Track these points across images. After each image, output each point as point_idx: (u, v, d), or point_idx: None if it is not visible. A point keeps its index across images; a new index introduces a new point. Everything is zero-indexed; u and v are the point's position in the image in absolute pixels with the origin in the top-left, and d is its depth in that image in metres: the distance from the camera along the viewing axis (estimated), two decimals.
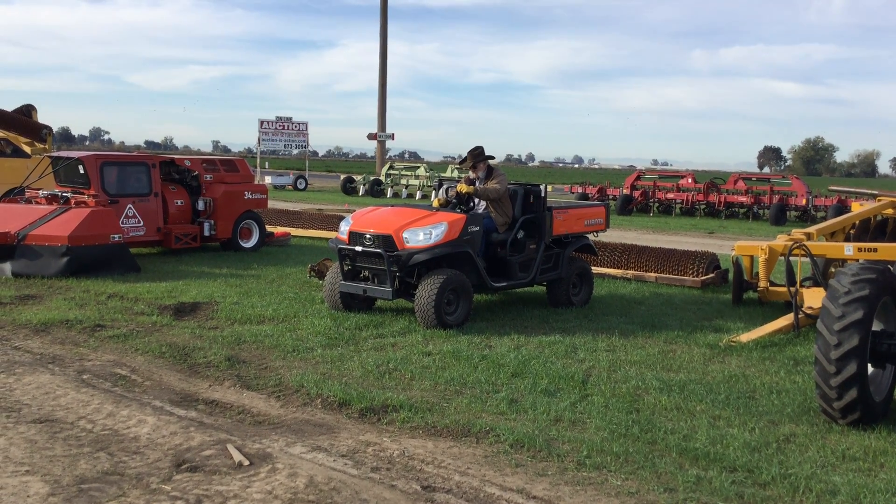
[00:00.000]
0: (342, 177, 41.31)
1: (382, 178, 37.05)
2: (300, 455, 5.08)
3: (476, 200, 9.60)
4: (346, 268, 9.11)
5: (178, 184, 14.22)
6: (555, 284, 10.01)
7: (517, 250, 9.44)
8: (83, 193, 12.49)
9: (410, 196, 34.70)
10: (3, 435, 5.25)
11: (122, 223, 12.42)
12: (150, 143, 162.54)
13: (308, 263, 12.06)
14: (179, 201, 13.92)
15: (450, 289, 8.48)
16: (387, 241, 8.64)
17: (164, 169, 14.08)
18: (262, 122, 42.38)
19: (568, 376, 6.86)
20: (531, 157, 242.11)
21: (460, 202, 9.41)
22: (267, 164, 49.50)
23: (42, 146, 18.69)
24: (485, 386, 6.60)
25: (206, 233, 14.14)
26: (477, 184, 9.51)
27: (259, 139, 42.40)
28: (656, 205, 31.32)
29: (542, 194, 9.71)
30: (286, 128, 43.23)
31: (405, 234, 8.60)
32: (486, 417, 5.83)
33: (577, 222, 10.15)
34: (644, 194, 31.43)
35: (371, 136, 44.62)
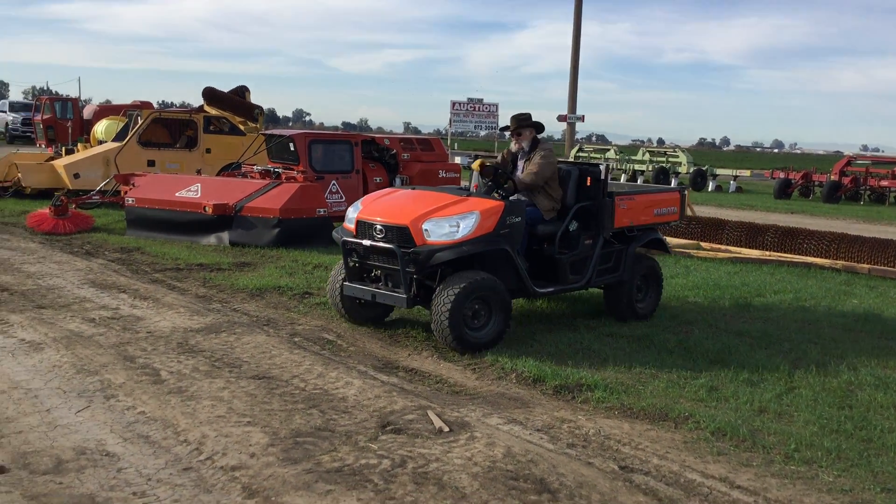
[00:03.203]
0: None
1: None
2: (497, 426, 5.19)
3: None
4: (351, 265, 7.34)
5: (378, 162, 14.79)
6: (614, 289, 8.09)
7: (569, 246, 7.59)
8: (293, 169, 13.27)
9: None
10: (227, 388, 5.71)
11: (327, 198, 13.08)
12: (346, 125, 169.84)
13: None
14: (378, 179, 14.48)
15: (475, 296, 6.70)
16: (402, 234, 6.84)
17: (366, 147, 14.68)
18: (453, 104, 43.15)
19: (772, 367, 6.56)
20: (726, 141, 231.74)
21: (497, 186, 7.37)
22: (456, 144, 50.43)
23: (254, 125, 19.98)
24: (682, 371, 6.43)
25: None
26: (519, 161, 7.88)
27: (450, 120, 43.22)
28: (868, 193, 29.11)
29: (602, 176, 7.72)
30: (477, 109, 43.80)
31: (426, 226, 6.78)
32: (684, 403, 5.70)
33: (645, 211, 8.21)
34: (854, 181, 29.25)
35: (561, 118, 44.33)
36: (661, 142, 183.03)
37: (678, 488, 4.35)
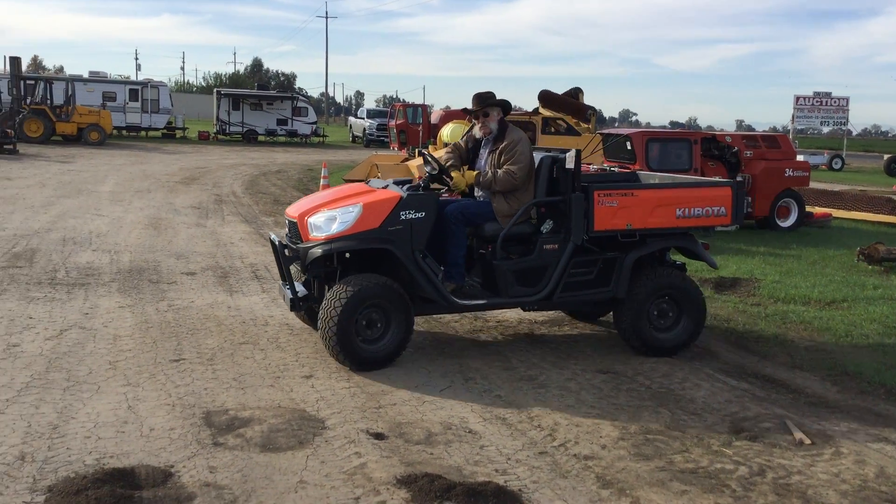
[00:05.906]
0: (885, 156, 37.33)
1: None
2: (865, 444, 4.77)
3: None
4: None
5: (718, 160, 14.27)
6: (617, 310, 6.56)
7: (513, 252, 6.31)
8: (629, 168, 13.24)
9: None
10: (573, 379, 5.85)
11: None
12: (673, 123, 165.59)
13: (855, 246, 11.20)
14: (717, 178, 13.96)
15: (370, 303, 5.80)
16: (295, 230, 6.20)
17: (705, 145, 14.23)
18: (797, 98, 40.34)
19: None
20: None
21: (435, 178, 6.37)
22: (797, 142, 47.03)
23: (586, 126, 20.24)
24: None
25: (743, 209, 13.94)
26: (482, 150, 6.60)
27: (793, 116, 40.44)
28: None
29: (570, 164, 6.22)
30: (824, 104, 40.51)
31: (311, 220, 6.03)
32: None
33: (657, 212, 6.34)
34: None
35: None
36: None
37: None
